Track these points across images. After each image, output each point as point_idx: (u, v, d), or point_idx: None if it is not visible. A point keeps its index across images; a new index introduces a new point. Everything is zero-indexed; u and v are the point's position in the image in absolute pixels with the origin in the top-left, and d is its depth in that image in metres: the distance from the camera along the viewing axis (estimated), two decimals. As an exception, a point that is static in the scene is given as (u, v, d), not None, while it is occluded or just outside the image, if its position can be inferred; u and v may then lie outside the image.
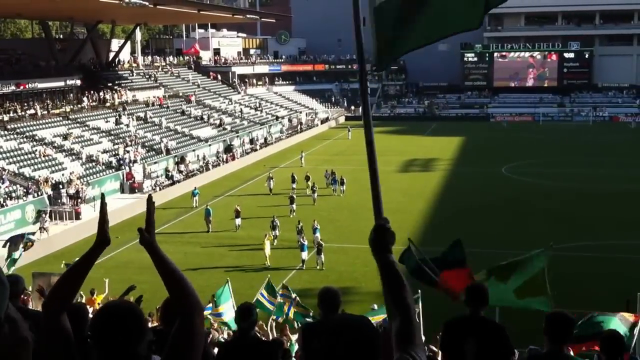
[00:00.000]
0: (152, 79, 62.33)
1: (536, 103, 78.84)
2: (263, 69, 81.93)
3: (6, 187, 33.03)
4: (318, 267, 25.45)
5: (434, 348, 9.61)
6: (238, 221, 31.13)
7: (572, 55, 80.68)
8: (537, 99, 79.75)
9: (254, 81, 79.06)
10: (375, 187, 2.85)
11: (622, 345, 4.85)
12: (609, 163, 46.67)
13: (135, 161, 41.66)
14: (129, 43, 65.01)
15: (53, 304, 2.36)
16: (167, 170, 42.79)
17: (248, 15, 71.09)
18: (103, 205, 2.41)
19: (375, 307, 19.61)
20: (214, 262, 26.93)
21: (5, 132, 40.06)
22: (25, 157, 37.83)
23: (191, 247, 29.20)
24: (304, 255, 25.95)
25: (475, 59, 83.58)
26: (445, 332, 4.60)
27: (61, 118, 45.73)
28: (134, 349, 2.28)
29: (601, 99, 78.63)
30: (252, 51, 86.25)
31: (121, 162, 41.01)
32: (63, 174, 36.70)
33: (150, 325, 5.93)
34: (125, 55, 64.74)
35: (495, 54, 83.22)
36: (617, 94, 79.93)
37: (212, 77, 72.23)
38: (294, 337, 12.42)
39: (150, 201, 2.40)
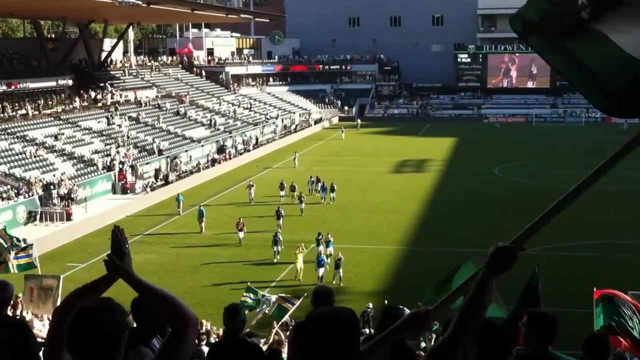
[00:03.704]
0: (145, 79, 62.16)
1: (529, 104, 79.06)
2: (256, 69, 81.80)
3: (-3, 187, 32.86)
4: (335, 282, 23.36)
5: None
6: (241, 235, 29.23)
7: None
8: (530, 100, 79.98)
9: (248, 81, 78.94)
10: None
11: (607, 348, 4.80)
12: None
13: (127, 162, 41.48)
14: (121, 43, 64.77)
15: (64, 314, 2.51)
16: (147, 183, 40.47)
17: (242, 15, 70.99)
18: (114, 234, 2.47)
19: (370, 305, 19.49)
20: (207, 263, 26.85)
21: (-3, 132, 39.87)
22: (16, 157, 37.59)
23: (184, 248, 29.12)
24: (321, 272, 24.01)
25: (469, 59, 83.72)
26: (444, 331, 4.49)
27: (52, 118, 45.48)
28: (112, 355, 2.24)
29: (594, 100, 78.86)
30: (245, 51, 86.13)
31: (113, 162, 40.83)
32: (54, 175, 36.48)
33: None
34: (117, 55, 64.49)
35: (489, 55, 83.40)
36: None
37: (204, 76, 72.06)
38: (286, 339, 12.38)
39: (117, 232, 2.45)
